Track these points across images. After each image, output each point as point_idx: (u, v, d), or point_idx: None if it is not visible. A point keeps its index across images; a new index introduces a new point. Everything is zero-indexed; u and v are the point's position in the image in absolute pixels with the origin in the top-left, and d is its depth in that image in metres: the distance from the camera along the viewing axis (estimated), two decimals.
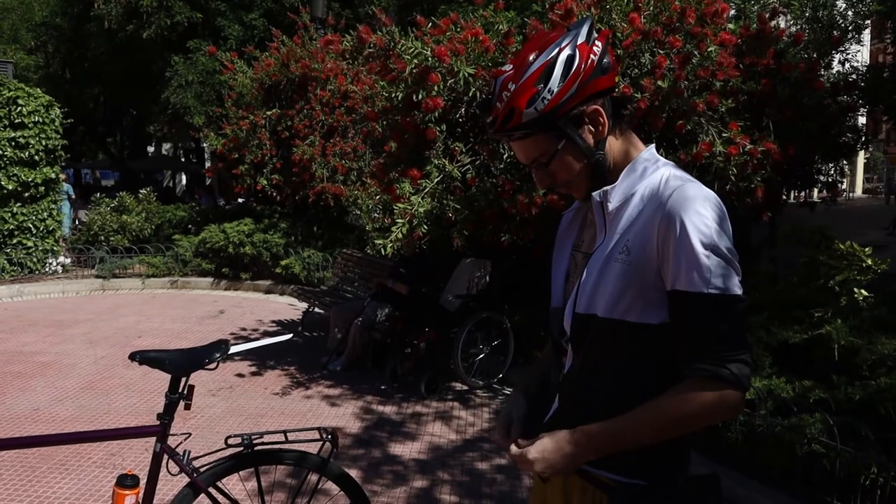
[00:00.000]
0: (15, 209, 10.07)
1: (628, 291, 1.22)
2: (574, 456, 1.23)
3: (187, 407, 2.14)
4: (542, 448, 1.24)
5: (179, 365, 2.11)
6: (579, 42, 1.25)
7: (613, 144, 1.32)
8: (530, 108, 1.24)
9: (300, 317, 7.54)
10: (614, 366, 1.26)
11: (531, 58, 1.26)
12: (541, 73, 1.24)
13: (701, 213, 1.17)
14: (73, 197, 14.46)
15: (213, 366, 2.17)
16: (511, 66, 1.29)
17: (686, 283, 1.16)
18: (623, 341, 1.24)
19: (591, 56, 1.25)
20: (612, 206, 1.28)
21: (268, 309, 8.54)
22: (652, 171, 1.28)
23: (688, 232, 1.16)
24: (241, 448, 2.14)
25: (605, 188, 1.30)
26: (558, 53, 1.24)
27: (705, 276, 1.15)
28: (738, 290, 1.17)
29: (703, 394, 1.16)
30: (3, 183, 9.87)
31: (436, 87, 4.29)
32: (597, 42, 1.27)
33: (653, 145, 1.35)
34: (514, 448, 1.28)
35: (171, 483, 2.35)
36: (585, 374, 1.31)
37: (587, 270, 1.29)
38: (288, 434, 2.20)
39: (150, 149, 30.58)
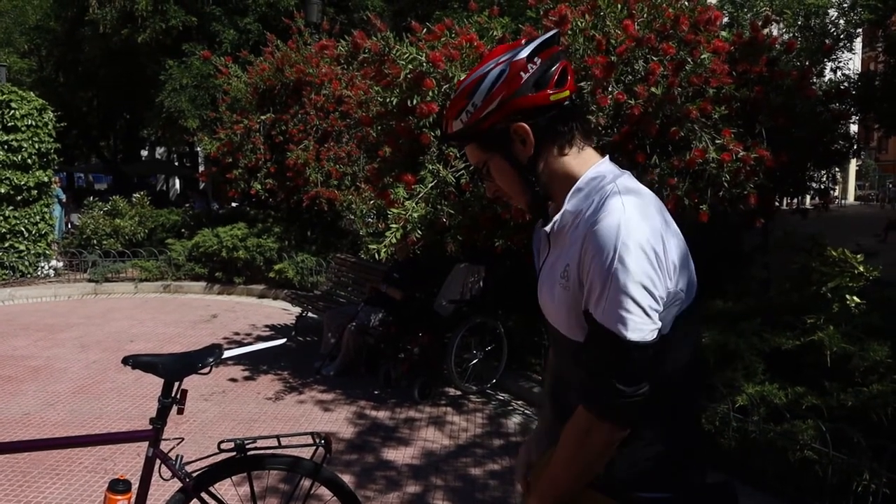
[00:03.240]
0: (7, 212, 10.02)
1: (571, 314, 1.24)
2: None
3: (180, 411, 2.13)
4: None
5: (172, 369, 2.11)
6: (518, 58, 1.24)
7: (553, 162, 1.28)
8: (457, 120, 1.27)
9: (293, 321, 7.51)
10: (575, 377, 1.27)
11: (475, 71, 1.27)
12: (472, 87, 1.26)
13: (621, 241, 1.13)
14: (64, 200, 14.41)
15: (206, 370, 2.17)
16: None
17: (593, 308, 1.17)
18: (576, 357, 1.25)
19: (522, 73, 1.23)
20: (555, 226, 1.28)
21: (261, 313, 8.52)
22: (596, 192, 1.24)
23: (605, 260, 1.14)
24: (234, 453, 2.13)
25: (552, 218, 1.29)
26: (493, 68, 1.25)
27: (610, 309, 1.14)
28: (633, 335, 1.12)
29: (592, 427, 1.18)
30: None
31: (430, 93, 4.31)
32: (537, 59, 1.24)
33: (605, 159, 1.31)
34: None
35: (164, 488, 2.33)
36: (562, 383, 1.36)
37: (539, 285, 1.34)
38: (281, 439, 2.19)
39: (144, 153, 30.50)
